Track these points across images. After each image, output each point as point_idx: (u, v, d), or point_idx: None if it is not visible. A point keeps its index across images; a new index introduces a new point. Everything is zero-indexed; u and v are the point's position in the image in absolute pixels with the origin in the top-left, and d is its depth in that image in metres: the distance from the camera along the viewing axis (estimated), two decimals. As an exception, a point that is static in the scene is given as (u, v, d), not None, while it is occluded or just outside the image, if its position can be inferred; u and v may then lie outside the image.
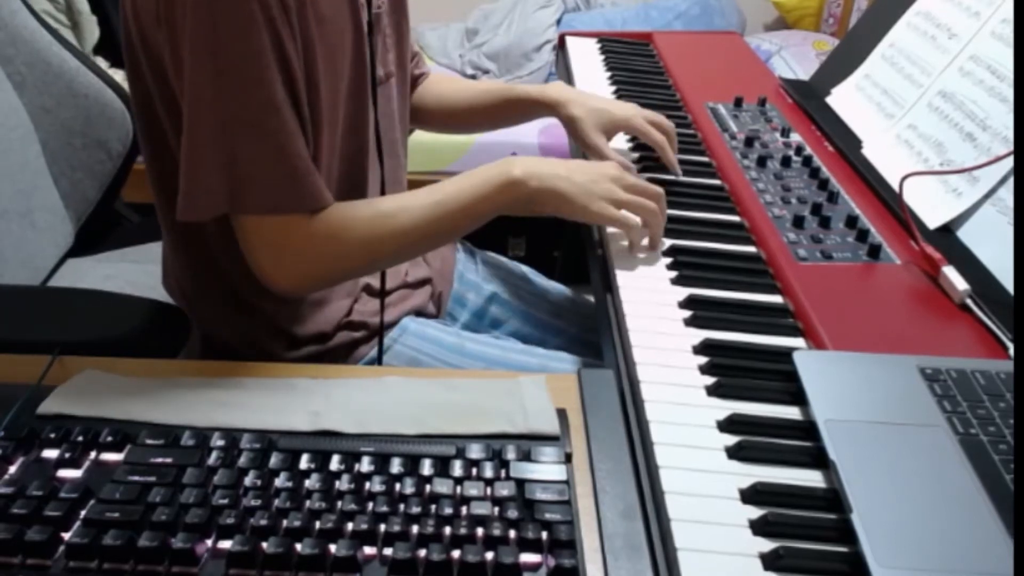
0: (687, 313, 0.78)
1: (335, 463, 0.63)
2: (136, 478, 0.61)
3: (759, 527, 0.56)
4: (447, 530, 0.57)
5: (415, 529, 0.57)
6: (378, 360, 0.96)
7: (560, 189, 0.84)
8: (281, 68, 0.75)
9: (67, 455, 0.63)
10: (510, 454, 0.64)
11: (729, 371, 0.70)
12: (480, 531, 0.57)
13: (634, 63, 1.41)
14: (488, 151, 2.25)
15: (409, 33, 1.03)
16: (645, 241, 0.88)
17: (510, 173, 0.84)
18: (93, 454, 0.64)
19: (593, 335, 1.10)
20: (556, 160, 0.87)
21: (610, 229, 0.91)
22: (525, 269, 1.22)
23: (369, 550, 0.57)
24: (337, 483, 0.61)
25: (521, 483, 0.61)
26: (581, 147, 1.07)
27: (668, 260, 0.87)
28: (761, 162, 1.02)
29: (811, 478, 0.60)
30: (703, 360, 0.72)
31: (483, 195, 0.84)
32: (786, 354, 0.69)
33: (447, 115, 1.17)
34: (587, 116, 1.05)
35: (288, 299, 0.91)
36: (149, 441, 0.65)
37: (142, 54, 0.80)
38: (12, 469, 0.63)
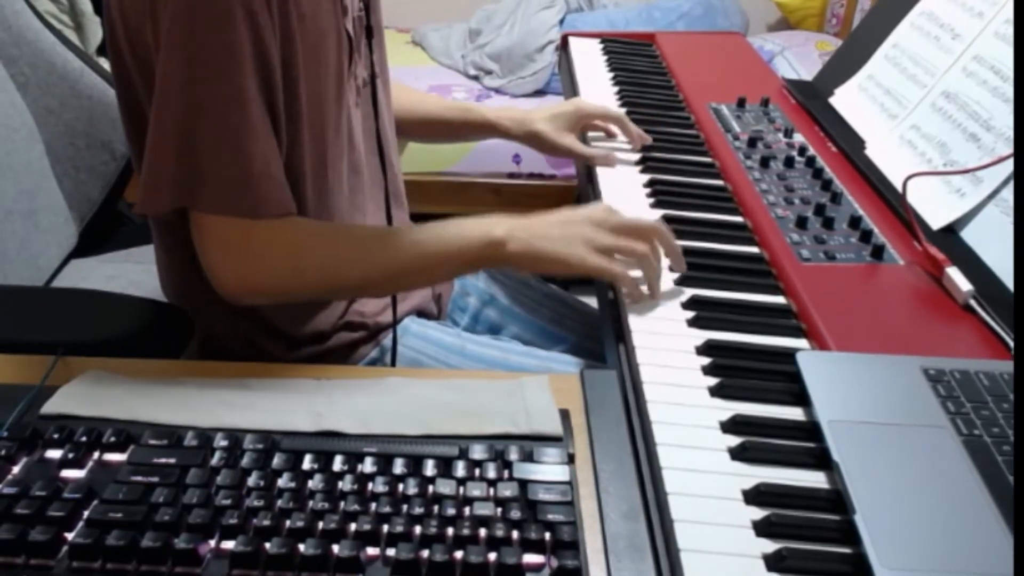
0: (690, 314, 0.78)
1: (338, 464, 0.63)
2: (139, 478, 0.61)
3: (762, 528, 0.56)
4: (450, 531, 0.57)
5: (418, 530, 0.57)
6: (392, 360, 0.96)
7: (536, 250, 0.80)
8: (258, 65, 0.74)
9: (70, 455, 0.63)
10: (513, 455, 0.64)
11: (732, 372, 0.70)
12: (483, 532, 0.57)
13: (637, 64, 1.41)
14: (490, 152, 2.26)
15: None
16: (646, 288, 0.81)
17: (491, 233, 0.81)
18: (96, 454, 0.64)
19: (593, 342, 1.10)
20: (540, 217, 0.82)
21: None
22: (527, 274, 1.22)
23: (372, 551, 0.57)
24: (340, 483, 0.61)
25: (524, 484, 0.61)
26: (554, 155, 1.12)
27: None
28: (764, 163, 1.02)
29: (814, 479, 0.60)
30: (706, 361, 0.72)
31: (462, 247, 0.81)
32: (789, 355, 0.69)
33: (407, 124, 1.17)
34: (548, 125, 1.09)
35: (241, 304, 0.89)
36: (152, 441, 0.65)
37: (128, 55, 0.79)
38: (15, 469, 0.63)
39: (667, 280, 0.84)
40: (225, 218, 0.76)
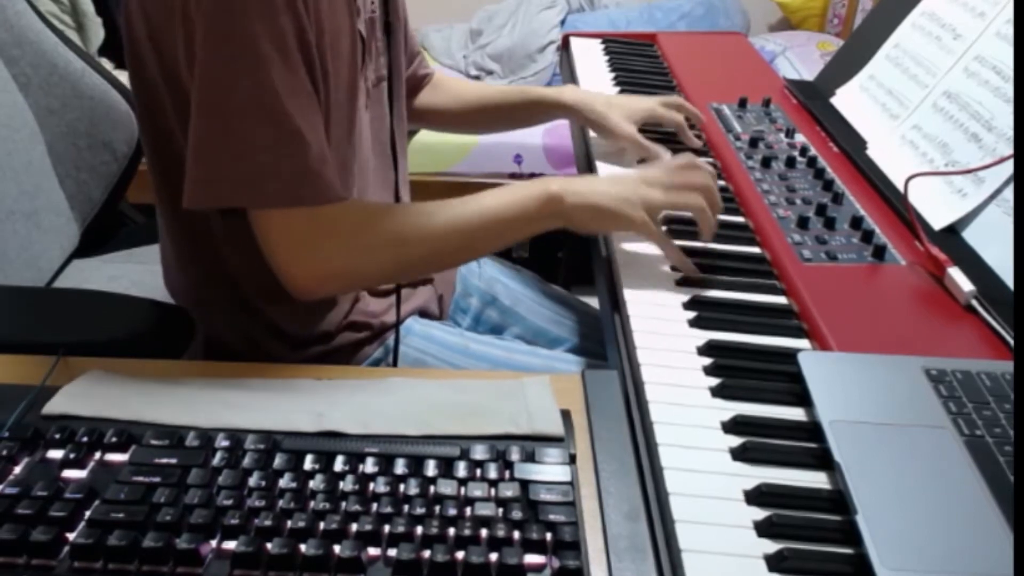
0: (691, 314, 0.78)
1: (339, 464, 0.63)
2: (140, 479, 0.61)
3: (764, 528, 0.56)
4: (451, 531, 0.57)
5: (419, 530, 0.57)
6: (394, 361, 0.96)
7: (596, 203, 0.83)
8: (303, 53, 0.74)
9: (72, 455, 0.63)
10: (514, 455, 0.64)
11: (733, 372, 0.70)
12: (484, 532, 0.57)
13: (638, 64, 1.41)
14: (491, 152, 2.26)
15: (408, 39, 1.03)
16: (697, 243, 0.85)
17: (548, 188, 0.82)
18: (98, 455, 0.64)
19: (594, 343, 1.10)
20: (592, 177, 0.86)
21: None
22: (528, 274, 1.22)
23: (373, 551, 0.57)
24: (341, 484, 0.61)
25: (525, 484, 0.61)
26: (613, 141, 1.08)
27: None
28: (765, 163, 1.01)
29: (816, 479, 0.60)
30: (707, 361, 0.72)
31: (523, 208, 0.82)
32: (791, 355, 0.69)
33: (464, 114, 1.18)
34: (611, 111, 1.07)
35: (297, 300, 0.90)
36: (153, 442, 0.65)
37: (151, 53, 0.78)
38: (17, 469, 0.63)
39: (668, 280, 0.84)
40: (290, 210, 0.76)
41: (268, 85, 0.72)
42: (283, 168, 0.74)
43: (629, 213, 0.82)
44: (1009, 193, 0.83)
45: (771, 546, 0.55)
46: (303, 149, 0.74)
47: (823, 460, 0.61)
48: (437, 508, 0.59)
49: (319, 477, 0.62)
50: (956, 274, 0.78)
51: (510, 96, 1.18)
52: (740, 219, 0.94)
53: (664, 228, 0.87)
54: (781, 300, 0.81)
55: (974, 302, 0.76)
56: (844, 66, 1.20)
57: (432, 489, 0.61)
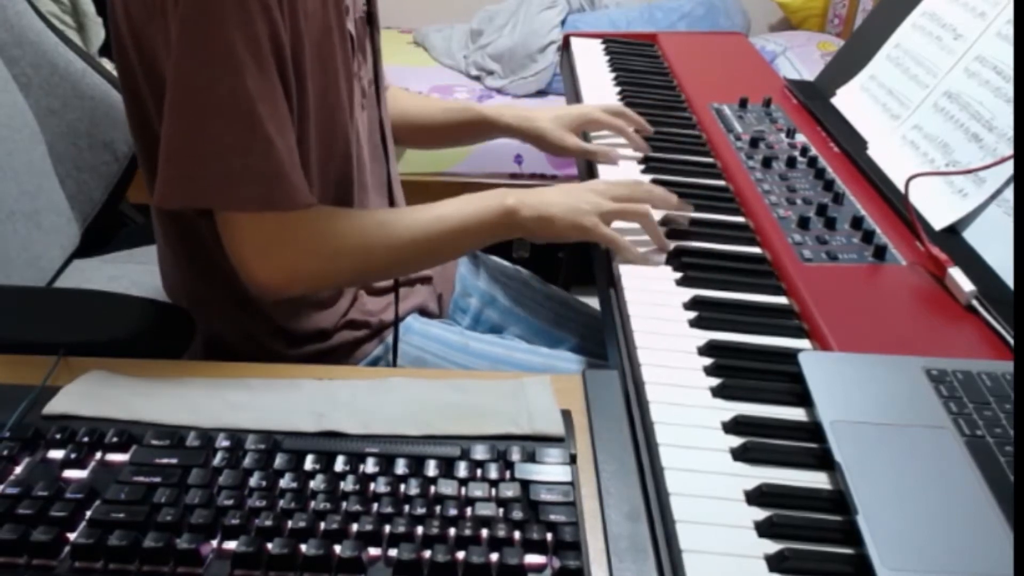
0: (692, 314, 0.78)
1: (340, 464, 0.63)
2: (141, 479, 0.61)
3: (764, 529, 0.56)
4: (452, 531, 0.57)
5: (420, 530, 0.57)
6: (393, 360, 0.96)
7: (548, 215, 0.86)
8: (276, 58, 0.74)
9: (72, 455, 0.63)
10: (515, 455, 0.64)
11: (734, 372, 0.70)
12: (484, 532, 0.57)
13: (638, 64, 1.41)
14: (491, 152, 2.26)
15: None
16: (644, 250, 0.87)
17: (504, 202, 0.85)
18: (98, 455, 0.64)
19: (594, 343, 1.10)
20: (545, 188, 0.89)
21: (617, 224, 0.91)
22: (527, 275, 1.22)
23: (374, 551, 0.57)
24: (342, 484, 0.61)
25: (526, 484, 0.61)
26: (557, 154, 1.12)
27: (673, 261, 0.86)
28: (766, 163, 1.01)
29: (816, 480, 0.60)
30: (708, 361, 0.72)
31: (480, 220, 0.85)
32: (791, 355, 0.69)
33: (407, 131, 1.16)
34: (552, 124, 1.10)
35: (295, 299, 0.91)
36: (154, 442, 0.65)
37: (133, 53, 0.79)
38: (18, 469, 0.63)
39: (669, 280, 0.84)
40: (259, 214, 0.77)
41: (242, 90, 0.72)
42: (254, 172, 0.75)
43: (581, 221, 0.85)
44: (1009, 193, 0.83)
45: (772, 546, 0.55)
46: (274, 154, 0.75)
47: (824, 460, 0.61)
48: (438, 508, 0.59)
49: (320, 477, 0.62)
50: (957, 274, 0.78)
51: (452, 115, 1.17)
52: (740, 219, 0.94)
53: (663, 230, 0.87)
54: (782, 300, 0.81)
55: (975, 302, 0.76)
56: (845, 66, 1.20)
57: (433, 489, 0.61)
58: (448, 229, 0.85)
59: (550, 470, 0.62)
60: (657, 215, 0.89)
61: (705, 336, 0.75)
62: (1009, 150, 0.84)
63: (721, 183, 1.02)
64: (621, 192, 0.89)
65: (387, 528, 0.58)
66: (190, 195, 0.76)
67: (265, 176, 0.75)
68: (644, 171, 1.05)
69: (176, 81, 0.73)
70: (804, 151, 1.04)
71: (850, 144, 1.05)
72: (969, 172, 0.87)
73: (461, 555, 0.56)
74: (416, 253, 0.85)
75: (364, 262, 0.84)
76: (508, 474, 0.62)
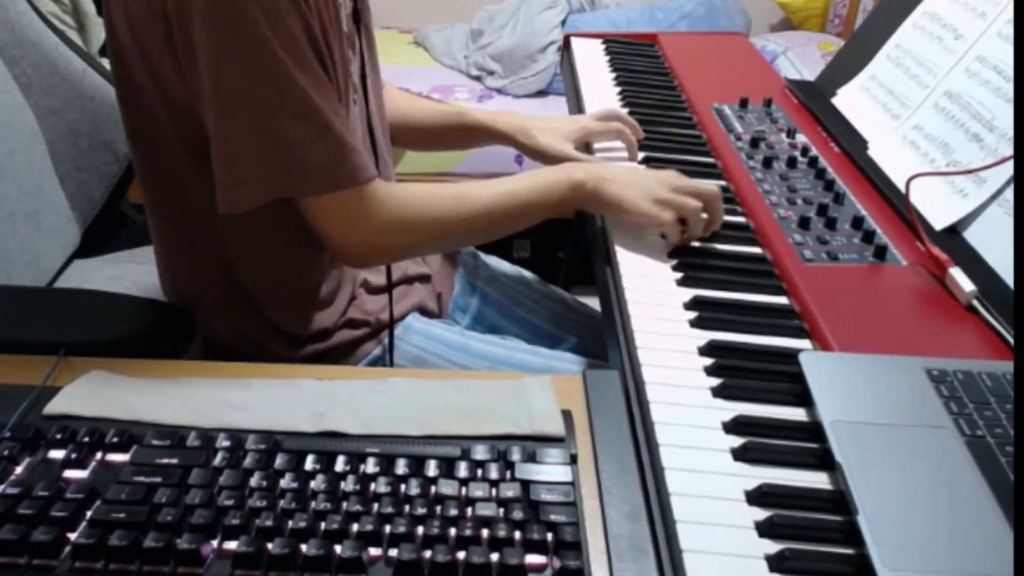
0: (692, 314, 0.78)
1: (340, 464, 0.63)
2: (142, 479, 0.61)
3: (765, 529, 0.56)
4: (452, 531, 0.57)
5: (420, 530, 0.57)
6: (389, 359, 0.96)
7: (611, 193, 0.88)
8: (313, 47, 0.76)
9: (73, 456, 0.63)
10: (515, 455, 0.64)
11: (735, 372, 0.70)
12: (485, 532, 0.57)
13: (639, 64, 1.41)
14: (492, 153, 2.24)
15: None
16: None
17: (572, 175, 0.89)
18: (99, 455, 0.64)
19: (593, 343, 1.10)
20: (613, 166, 0.91)
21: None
22: (527, 275, 1.22)
23: (374, 551, 0.57)
24: (342, 484, 0.61)
25: (526, 484, 0.61)
26: (551, 163, 1.08)
27: (674, 261, 0.86)
28: (767, 163, 1.01)
29: (817, 480, 0.60)
30: (709, 361, 0.72)
31: (551, 190, 0.89)
32: (792, 355, 0.69)
33: (405, 132, 1.16)
34: (543, 135, 1.09)
35: (294, 299, 0.91)
36: (155, 442, 0.65)
37: (135, 50, 0.79)
38: (18, 469, 0.63)
39: (669, 280, 0.84)
40: (332, 195, 0.80)
41: (293, 84, 0.75)
42: (318, 158, 0.78)
43: (632, 203, 0.88)
44: (1010, 193, 0.83)
45: (772, 546, 0.55)
46: (335, 137, 0.78)
47: (824, 460, 0.61)
48: (438, 508, 0.59)
49: (320, 477, 0.62)
50: (957, 274, 0.78)
51: (444, 118, 1.16)
52: (741, 219, 0.94)
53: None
54: (782, 300, 0.81)
55: (975, 302, 0.76)
56: (845, 66, 1.20)
57: (433, 489, 0.61)
58: (520, 203, 0.89)
59: (550, 470, 0.62)
60: None
61: (706, 336, 0.75)
62: (1009, 150, 0.84)
63: (721, 183, 1.02)
64: (684, 185, 0.89)
65: (387, 528, 0.58)
66: (263, 194, 0.78)
67: (329, 160, 0.78)
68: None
69: (219, 90, 0.74)
70: (805, 151, 1.04)
71: (851, 144, 1.05)
72: (969, 172, 0.87)
73: (462, 555, 0.56)
74: (489, 224, 0.89)
75: (442, 233, 0.88)
76: (508, 474, 0.62)
